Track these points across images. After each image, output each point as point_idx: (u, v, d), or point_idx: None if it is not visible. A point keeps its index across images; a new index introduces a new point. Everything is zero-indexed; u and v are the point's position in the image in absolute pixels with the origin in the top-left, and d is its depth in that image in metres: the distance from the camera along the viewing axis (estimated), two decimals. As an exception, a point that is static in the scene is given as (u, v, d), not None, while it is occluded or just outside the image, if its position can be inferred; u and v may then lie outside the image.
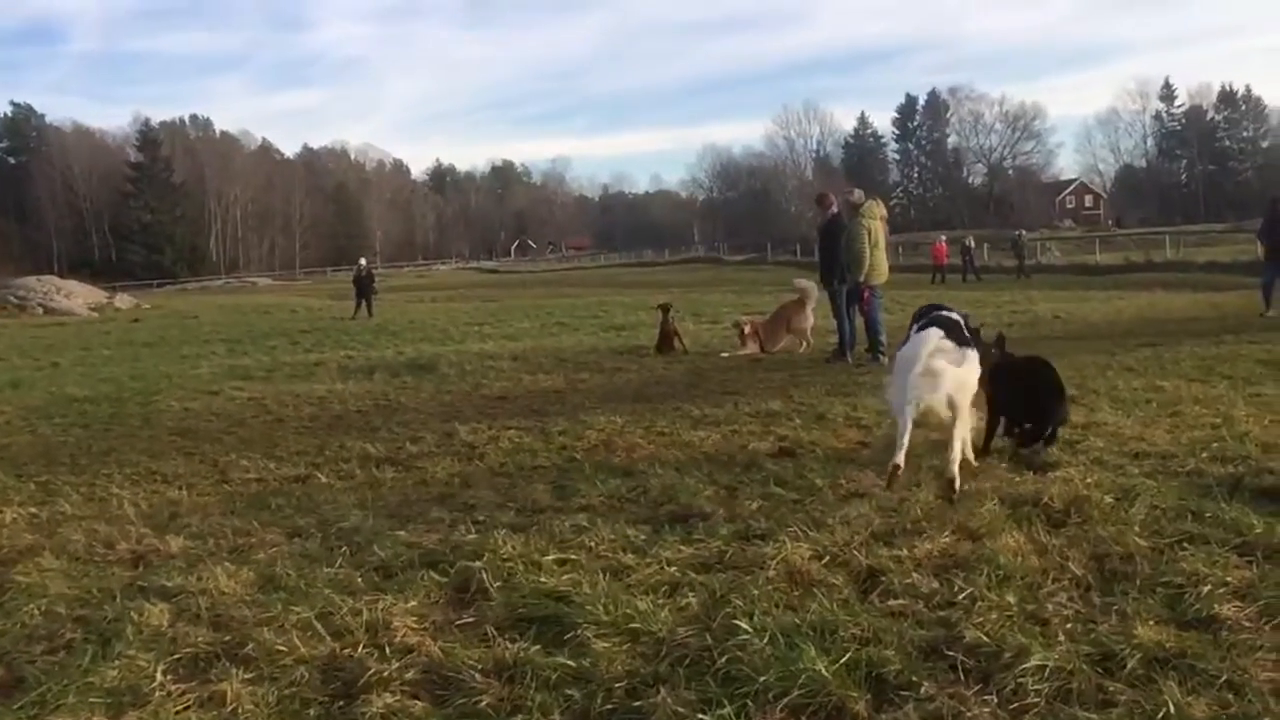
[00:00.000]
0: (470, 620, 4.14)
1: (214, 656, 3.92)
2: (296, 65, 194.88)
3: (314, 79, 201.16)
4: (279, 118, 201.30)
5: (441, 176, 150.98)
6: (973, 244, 41.38)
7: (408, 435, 8.87)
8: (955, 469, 5.69)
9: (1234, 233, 42.67)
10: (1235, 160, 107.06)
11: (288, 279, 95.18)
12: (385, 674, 3.64)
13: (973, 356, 6.01)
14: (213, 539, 5.65)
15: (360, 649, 3.86)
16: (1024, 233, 45.85)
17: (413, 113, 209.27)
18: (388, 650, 3.84)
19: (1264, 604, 3.80)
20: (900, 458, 5.71)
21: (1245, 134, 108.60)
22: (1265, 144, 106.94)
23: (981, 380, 6.20)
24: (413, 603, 4.33)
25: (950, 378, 5.82)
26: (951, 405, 5.87)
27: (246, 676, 3.70)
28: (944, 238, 42.96)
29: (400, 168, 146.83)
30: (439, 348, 17.88)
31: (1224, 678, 3.26)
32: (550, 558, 4.80)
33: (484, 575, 4.56)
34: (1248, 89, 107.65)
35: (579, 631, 3.88)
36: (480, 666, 3.66)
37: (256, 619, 4.26)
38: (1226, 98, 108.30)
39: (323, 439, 8.98)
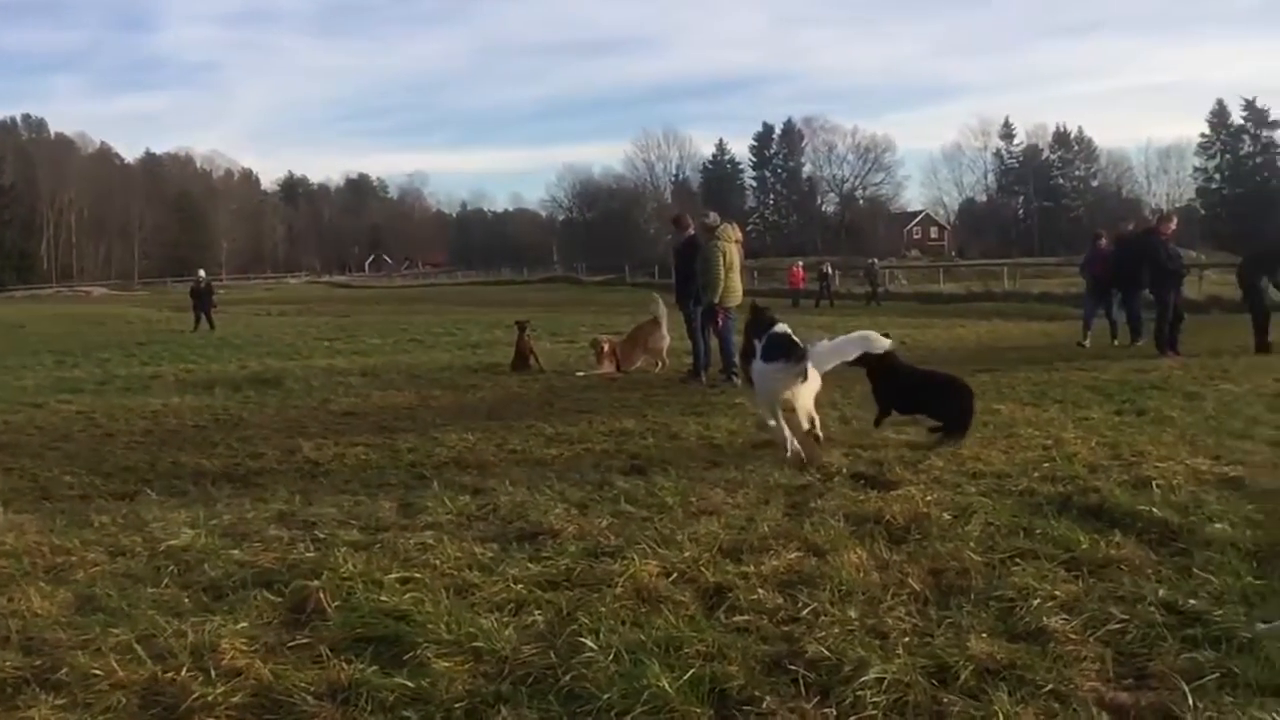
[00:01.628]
0: (304, 641, 3.97)
1: (23, 682, 3.67)
2: (140, 67, 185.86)
3: (158, 82, 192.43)
4: (120, 121, 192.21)
5: (293, 188, 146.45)
6: (830, 269, 42.40)
7: (247, 451, 8.55)
8: (816, 427, 7.54)
9: (1066, 266, 44.67)
10: (1068, 198, 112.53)
11: (125, 289, 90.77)
12: (210, 698, 3.45)
13: (806, 363, 7.43)
14: (28, 558, 5.28)
15: (184, 672, 3.65)
16: (877, 261, 47.13)
17: (263, 121, 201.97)
18: (213, 674, 3.65)
19: (1089, 616, 3.96)
20: (789, 449, 7.28)
21: (1077, 173, 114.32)
22: (1095, 183, 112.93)
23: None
24: (243, 624, 4.13)
25: (792, 385, 7.41)
26: (796, 397, 7.44)
27: (58, 703, 3.48)
28: (801, 263, 43.97)
29: (249, 177, 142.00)
30: (285, 362, 17.31)
31: (1050, 688, 3.38)
32: (393, 576, 4.66)
33: (321, 594, 4.39)
34: (1080, 130, 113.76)
35: (419, 651, 3.77)
36: (313, 689, 3.52)
37: (72, 642, 4.00)
38: (1061, 138, 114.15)
39: (155, 454, 8.57)
